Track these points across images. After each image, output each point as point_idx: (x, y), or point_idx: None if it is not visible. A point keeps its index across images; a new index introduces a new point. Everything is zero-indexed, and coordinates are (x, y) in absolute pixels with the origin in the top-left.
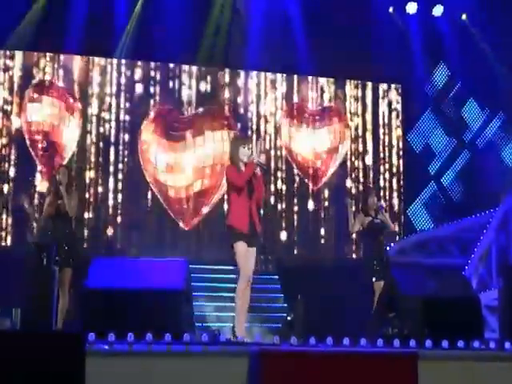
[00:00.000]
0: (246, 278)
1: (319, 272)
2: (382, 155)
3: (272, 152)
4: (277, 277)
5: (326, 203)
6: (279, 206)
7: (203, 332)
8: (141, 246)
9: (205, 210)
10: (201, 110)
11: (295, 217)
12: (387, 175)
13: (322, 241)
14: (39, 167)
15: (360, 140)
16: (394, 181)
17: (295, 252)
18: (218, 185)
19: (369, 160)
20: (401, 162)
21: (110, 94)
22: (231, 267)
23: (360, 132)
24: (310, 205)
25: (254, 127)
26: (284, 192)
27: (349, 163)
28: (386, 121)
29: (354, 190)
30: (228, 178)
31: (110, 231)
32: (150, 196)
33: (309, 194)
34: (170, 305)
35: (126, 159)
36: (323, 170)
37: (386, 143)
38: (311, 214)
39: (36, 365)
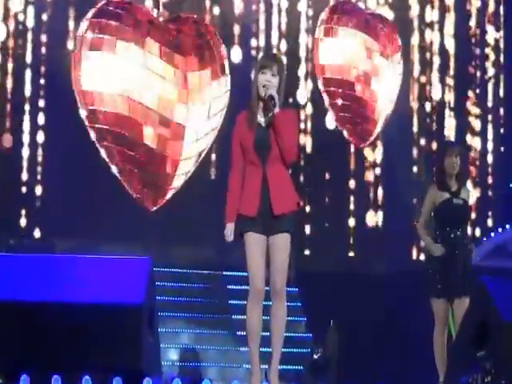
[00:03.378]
0: (256, 291)
1: (363, 283)
2: (469, 94)
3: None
4: (297, 289)
5: (378, 171)
6: (301, 178)
7: (175, 375)
8: (74, 236)
9: (177, 181)
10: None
11: (326, 196)
12: (476, 124)
13: (369, 235)
14: None
15: (434, 68)
16: (490, 135)
17: (326, 251)
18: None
19: (447, 101)
20: (501, 108)
21: None
22: (226, 273)
23: (436, 55)
24: (351, 174)
25: (262, 44)
26: (309, 152)
27: (414, 105)
28: (477, 36)
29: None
30: (233, 132)
31: (22, 211)
32: (90, 152)
33: (349, 155)
34: (123, 330)
35: (46, 93)
36: (372, 115)
37: (478, 73)
38: (352, 189)
39: None
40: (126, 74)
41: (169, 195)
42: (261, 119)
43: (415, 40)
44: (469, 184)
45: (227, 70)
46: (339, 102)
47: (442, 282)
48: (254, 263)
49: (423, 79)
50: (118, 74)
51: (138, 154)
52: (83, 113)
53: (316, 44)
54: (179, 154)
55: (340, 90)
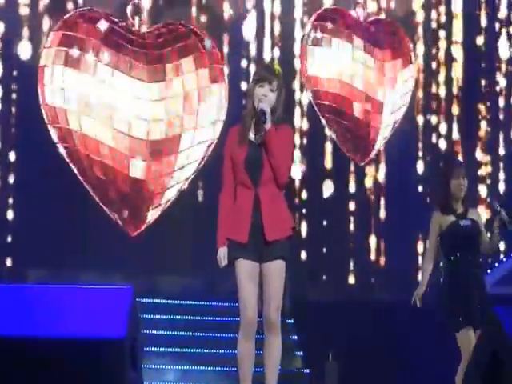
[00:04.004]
0: (248, 323)
1: (365, 313)
2: (479, 107)
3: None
4: (292, 321)
5: (380, 191)
6: (296, 200)
7: None
8: (49, 264)
9: (165, 199)
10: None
11: (324, 218)
12: (487, 139)
13: (372, 259)
14: None
15: (440, 79)
16: (501, 151)
17: (324, 278)
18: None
19: (455, 115)
20: None
21: None
22: (215, 303)
23: (442, 64)
24: (351, 195)
25: (253, 54)
26: (306, 172)
27: (421, 120)
28: (488, 44)
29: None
30: (224, 150)
31: None
32: (65, 173)
33: (349, 173)
34: (103, 367)
35: (17, 109)
36: (375, 129)
37: (488, 85)
38: (352, 210)
39: None
40: (99, 96)
41: (156, 213)
42: (254, 136)
43: (420, 48)
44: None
45: (225, 77)
46: (330, 116)
47: (462, 315)
48: (245, 292)
49: (428, 91)
50: (87, 94)
51: (119, 180)
52: (51, 130)
53: (303, 53)
54: (172, 167)
55: (330, 105)
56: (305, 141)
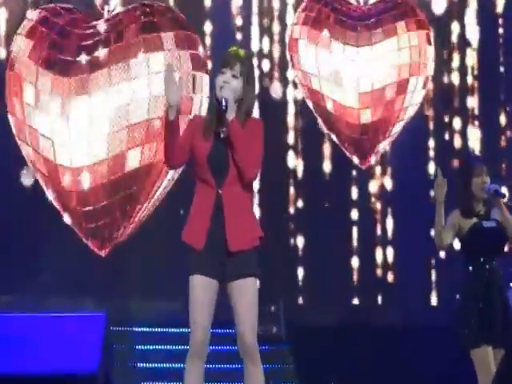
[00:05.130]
0: (197, 344)
1: (371, 338)
2: (499, 99)
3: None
4: (287, 347)
5: (386, 197)
6: (291, 208)
7: None
8: (11, 290)
9: (140, 214)
10: (122, 10)
11: (323, 229)
12: (507, 135)
13: (378, 276)
14: None
15: (453, 66)
16: None
17: (323, 298)
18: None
19: (470, 108)
20: None
21: None
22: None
23: (455, 50)
24: (353, 201)
25: (237, 36)
26: (300, 177)
27: (431, 114)
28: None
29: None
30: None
31: None
32: (30, 183)
33: (351, 178)
34: None
35: None
36: (379, 129)
37: (507, 72)
38: (355, 220)
39: None
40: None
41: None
42: (221, 130)
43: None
44: None
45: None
46: (323, 117)
47: (482, 331)
48: (197, 311)
49: (440, 81)
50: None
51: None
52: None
53: (292, 45)
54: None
55: (325, 107)
56: (300, 141)
